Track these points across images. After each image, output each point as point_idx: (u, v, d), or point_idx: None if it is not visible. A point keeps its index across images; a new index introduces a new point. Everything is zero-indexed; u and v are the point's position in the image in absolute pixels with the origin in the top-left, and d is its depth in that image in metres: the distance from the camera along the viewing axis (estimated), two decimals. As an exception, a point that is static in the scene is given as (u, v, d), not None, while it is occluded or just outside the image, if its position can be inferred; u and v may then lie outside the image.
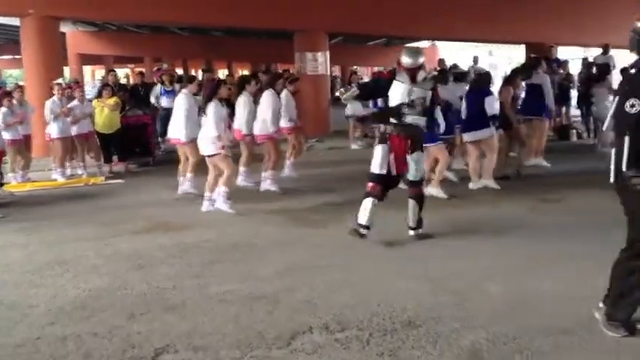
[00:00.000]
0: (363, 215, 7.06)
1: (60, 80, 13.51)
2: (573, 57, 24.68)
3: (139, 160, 13.93)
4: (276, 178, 10.45)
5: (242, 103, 10.50)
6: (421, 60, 7.14)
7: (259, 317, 5.09)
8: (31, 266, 6.70)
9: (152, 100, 15.65)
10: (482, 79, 10.45)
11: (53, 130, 12.30)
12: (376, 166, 7.11)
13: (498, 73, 28.30)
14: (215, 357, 4.42)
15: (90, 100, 13.36)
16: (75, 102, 12.51)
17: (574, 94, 16.86)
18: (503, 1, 19.46)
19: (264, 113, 10.17)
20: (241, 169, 10.82)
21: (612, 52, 16.83)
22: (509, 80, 11.07)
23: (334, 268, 6.32)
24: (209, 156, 8.96)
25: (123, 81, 25.28)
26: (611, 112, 4.38)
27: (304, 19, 17.97)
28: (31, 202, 10.36)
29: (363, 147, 14.67)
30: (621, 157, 4.15)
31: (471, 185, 9.95)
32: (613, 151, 4.31)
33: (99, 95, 13.20)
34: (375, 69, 41.28)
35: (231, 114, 10.41)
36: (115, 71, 18.16)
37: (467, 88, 10.85)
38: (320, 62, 18.71)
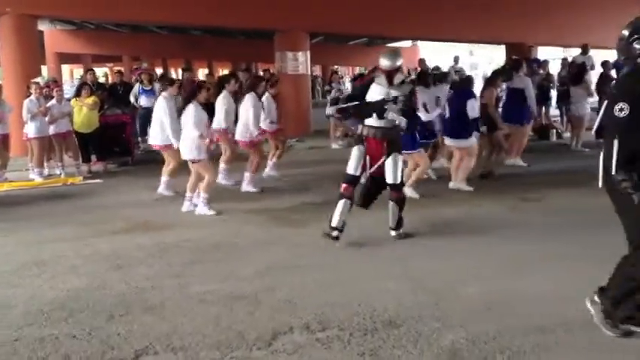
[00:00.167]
0: (335, 217, 7.05)
1: (38, 79, 13.39)
2: (553, 57, 24.83)
3: (117, 159, 13.84)
4: (255, 180, 10.39)
5: (221, 102, 10.47)
6: (399, 62, 7.13)
7: (240, 317, 5.07)
8: (9, 267, 6.63)
9: (131, 99, 15.58)
10: (464, 83, 10.47)
11: (30, 129, 12.17)
12: (351, 168, 7.11)
13: (479, 72, 28.46)
14: (195, 358, 4.40)
15: (68, 100, 13.24)
16: (53, 101, 12.39)
17: (554, 94, 16.95)
18: (483, 2, 19.55)
19: (245, 117, 10.11)
20: (222, 166, 10.79)
21: (592, 52, 16.96)
22: (491, 81, 11.10)
23: (315, 267, 6.32)
24: (191, 161, 8.90)
25: (102, 80, 25.14)
26: (600, 115, 4.39)
27: (285, 19, 17.93)
28: (8, 203, 10.25)
29: (343, 146, 14.67)
30: (610, 160, 4.17)
31: (451, 185, 9.99)
32: (601, 154, 4.32)
33: (77, 94, 13.08)
34: (357, 69, 41.34)
35: (211, 115, 10.33)
36: (93, 70, 18.02)
37: (447, 88, 10.89)
38: (301, 62, 18.69)
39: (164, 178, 10.08)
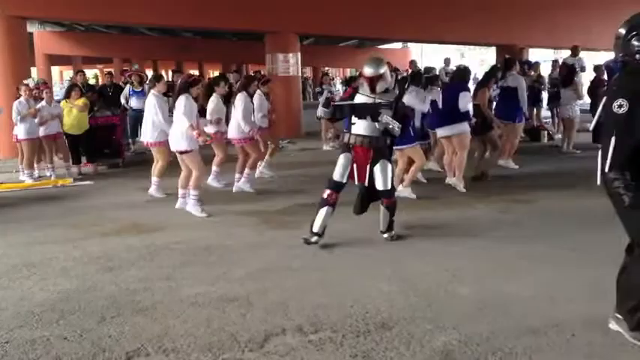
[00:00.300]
0: (317, 223, 7.05)
1: (28, 81, 13.34)
2: (545, 59, 24.92)
3: (108, 161, 13.80)
4: (252, 180, 10.37)
5: (212, 105, 10.45)
6: (382, 70, 7.03)
7: (231, 319, 5.05)
8: (-1, 269, 6.60)
9: (122, 101, 15.57)
10: (460, 74, 10.45)
11: (20, 131, 12.12)
12: (337, 175, 7.08)
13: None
14: (187, 360, 4.39)
15: (58, 101, 13.21)
16: (43, 103, 12.34)
17: (545, 95, 17.01)
18: (474, 3, 19.60)
19: (238, 116, 10.10)
20: (213, 168, 10.77)
21: (583, 54, 17.02)
22: (485, 82, 11.11)
23: (307, 269, 6.31)
24: (180, 152, 8.87)
25: (92, 82, 25.10)
26: (597, 112, 4.38)
27: (275, 21, 17.92)
28: (-2, 204, 10.21)
29: (335, 148, 14.67)
30: (606, 158, 4.16)
31: (447, 180, 10.00)
32: (600, 153, 4.31)
33: (67, 96, 13.05)
34: (348, 71, 41.37)
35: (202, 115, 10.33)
36: (83, 72, 18.00)
37: (438, 90, 10.91)
38: (291, 63, 18.68)
39: (154, 179, 10.05)
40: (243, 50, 32.74)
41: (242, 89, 10.49)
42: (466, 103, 9.62)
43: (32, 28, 27.49)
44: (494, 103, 12.17)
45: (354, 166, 7.07)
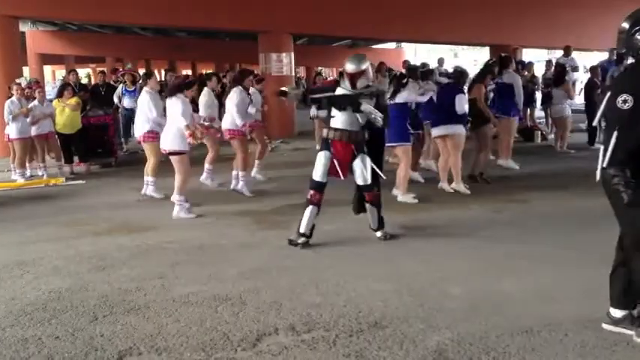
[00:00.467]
0: (303, 224, 7.03)
1: (20, 80, 13.31)
2: (538, 59, 24.96)
3: (100, 160, 13.76)
4: (248, 179, 10.34)
5: (204, 99, 10.45)
6: (364, 66, 7.03)
7: (224, 319, 5.04)
8: (-10, 268, 6.57)
9: (115, 100, 15.54)
10: (456, 76, 10.41)
11: (12, 130, 12.09)
12: (317, 174, 7.05)
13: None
14: (179, 359, 4.37)
15: (50, 101, 13.17)
16: (35, 102, 12.31)
17: (538, 95, 17.02)
18: (468, 4, 19.61)
19: (232, 110, 10.06)
20: (206, 166, 10.75)
21: (578, 54, 17.06)
22: (481, 77, 11.07)
23: (300, 269, 6.29)
24: (169, 153, 8.83)
25: (84, 81, 25.03)
26: (601, 108, 4.34)
27: (268, 20, 17.90)
28: (-11, 203, 10.18)
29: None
30: (606, 154, 4.15)
31: (440, 185, 9.98)
32: (601, 149, 4.28)
33: (60, 95, 13.01)
34: (340, 70, 41.27)
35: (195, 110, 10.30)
36: (76, 71, 17.95)
37: (431, 84, 10.91)
38: (285, 63, 18.66)
39: (150, 179, 9.99)
40: (237, 50, 32.67)
41: (236, 83, 10.45)
42: (463, 105, 9.59)
43: (24, 27, 27.38)
44: (490, 99, 12.13)
45: (335, 162, 7.02)
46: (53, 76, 49.53)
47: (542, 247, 6.77)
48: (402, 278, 5.89)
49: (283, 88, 7.37)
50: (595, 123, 4.60)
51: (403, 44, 40.92)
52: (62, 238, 7.76)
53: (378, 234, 7.26)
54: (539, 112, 17.74)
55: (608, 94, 4.27)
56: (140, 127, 9.93)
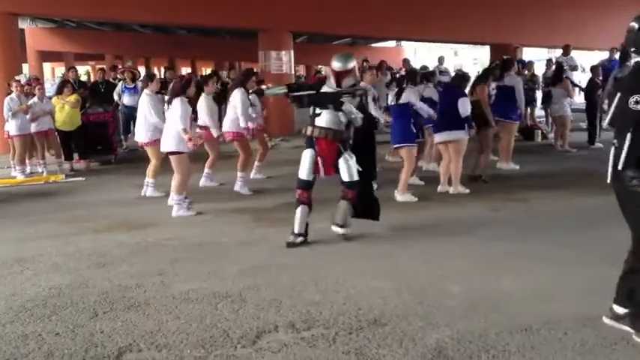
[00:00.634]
0: (297, 224, 7.03)
1: (19, 77, 13.31)
2: (539, 58, 24.93)
3: (100, 157, 13.76)
4: (247, 180, 10.32)
5: (202, 106, 10.38)
6: (350, 65, 7.02)
7: (224, 316, 5.04)
8: (-10, 264, 6.57)
9: (115, 97, 15.54)
10: (458, 80, 10.37)
11: (12, 127, 12.11)
12: (303, 173, 7.04)
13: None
14: (179, 356, 4.37)
15: (50, 98, 13.16)
16: (34, 99, 12.32)
17: (539, 94, 17.02)
18: (468, 2, 19.61)
19: (235, 111, 10.03)
20: (206, 170, 10.73)
21: (579, 53, 17.06)
22: (483, 78, 11.05)
23: (300, 266, 6.30)
24: (169, 154, 8.82)
25: (84, 78, 25.00)
26: (612, 109, 4.30)
27: (268, 18, 17.90)
28: (-11, 200, 10.18)
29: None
30: (620, 156, 4.11)
31: (439, 188, 9.96)
32: (612, 149, 4.25)
33: (59, 92, 13.01)
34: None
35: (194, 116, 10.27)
36: (75, 68, 17.95)
37: (431, 86, 10.89)
38: (284, 61, 18.65)
39: (151, 180, 9.97)
40: (237, 48, 32.66)
41: (239, 85, 10.42)
42: (466, 107, 9.55)
43: (24, 24, 27.37)
44: (491, 101, 12.10)
45: (319, 160, 7.01)
46: (52, 73, 49.50)
47: (542, 246, 6.77)
48: (401, 276, 5.90)
49: (262, 87, 7.35)
50: (605, 125, 4.55)
51: (403, 43, 40.87)
52: (62, 235, 7.77)
53: (341, 231, 7.15)
54: (539, 111, 17.74)
55: (618, 95, 4.23)
56: (142, 133, 9.87)
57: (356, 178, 7.05)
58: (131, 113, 14.75)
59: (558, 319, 4.75)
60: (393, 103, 9.45)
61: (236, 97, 10.08)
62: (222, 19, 18.60)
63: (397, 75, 13.61)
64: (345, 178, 7.04)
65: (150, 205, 9.34)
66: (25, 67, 23.50)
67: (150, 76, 10.65)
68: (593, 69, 15.22)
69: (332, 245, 7.02)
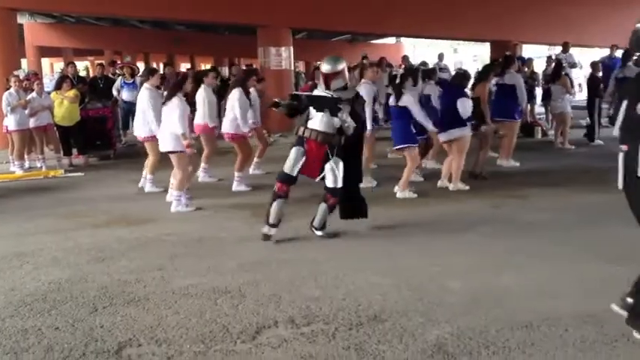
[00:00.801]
0: (272, 216, 7.03)
1: (18, 72, 13.29)
2: (539, 55, 24.91)
3: (99, 153, 13.76)
4: (245, 178, 10.29)
5: (201, 97, 10.37)
6: (340, 67, 7.02)
7: (224, 311, 5.04)
8: (-11, 259, 6.56)
9: (114, 92, 15.52)
10: (459, 78, 10.34)
11: (11, 122, 12.10)
12: (287, 167, 7.02)
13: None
14: (179, 350, 4.37)
15: (48, 93, 13.14)
16: (33, 94, 12.31)
17: (539, 91, 17.01)
18: (469, -1, 19.63)
19: (234, 112, 9.99)
20: (202, 165, 10.71)
21: (579, 50, 17.06)
22: (484, 76, 11.01)
23: (299, 261, 6.30)
24: (168, 152, 8.79)
25: (82, 73, 24.96)
26: (620, 116, 4.26)
27: (268, 14, 17.88)
28: (-12, 195, 10.16)
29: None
30: (635, 162, 4.06)
31: (439, 183, 9.97)
32: (621, 155, 4.21)
33: (58, 87, 12.99)
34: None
35: (192, 110, 10.23)
36: (74, 63, 17.92)
37: (432, 84, 10.87)
38: (284, 57, 18.65)
39: (149, 176, 9.95)
40: (236, 44, 32.56)
41: (239, 85, 10.38)
42: (467, 108, 9.52)
43: (22, 19, 27.28)
44: (492, 99, 12.06)
45: (307, 160, 6.99)
46: (51, 68, 49.38)
47: (541, 243, 6.77)
48: (400, 272, 5.90)
49: (276, 100, 7.37)
50: (615, 133, 4.48)
51: (402, 39, 40.80)
52: (61, 229, 7.76)
53: (319, 233, 7.20)
54: (539, 108, 17.74)
55: (625, 101, 4.19)
56: (140, 128, 9.84)
57: (340, 185, 7.03)
58: (130, 109, 14.72)
59: (558, 315, 4.75)
60: (393, 104, 9.42)
61: (234, 99, 10.01)
62: (221, 15, 18.56)
63: (394, 74, 13.55)
64: (329, 184, 7.03)
65: (149, 201, 9.33)
66: (24, 63, 23.47)
67: (150, 70, 10.62)
68: (594, 65, 15.22)
69: (331, 241, 7.02)
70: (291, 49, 19.02)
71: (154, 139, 9.53)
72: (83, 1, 16.70)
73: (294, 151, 7.03)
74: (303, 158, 6.97)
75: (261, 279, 5.76)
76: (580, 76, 19.63)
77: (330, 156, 6.97)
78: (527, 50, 24.80)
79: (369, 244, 6.95)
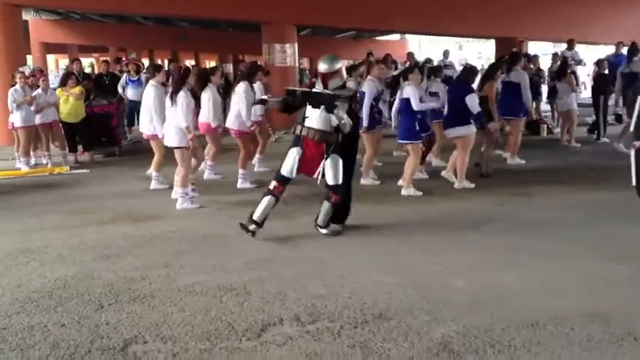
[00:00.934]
0: (258, 211, 7.03)
1: (23, 69, 13.30)
2: (545, 52, 24.84)
3: (104, 149, 13.76)
4: (249, 175, 10.29)
5: (207, 95, 10.34)
6: (337, 66, 7.01)
7: (229, 308, 5.05)
8: (-5, 255, 6.58)
9: (119, 89, 15.53)
10: (466, 73, 10.33)
11: (16, 119, 12.11)
12: (285, 169, 7.05)
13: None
14: (184, 348, 4.38)
15: (54, 89, 13.15)
16: (38, 90, 12.32)
17: (544, 89, 16.97)
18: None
19: (239, 107, 9.99)
20: (208, 162, 10.71)
21: (584, 47, 17.03)
22: (491, 74, 10.99)
23: (304, 259, 6.31)
24: (173, 148, 8.79)
25: (88, 70, 25.00)
26: (634, 117, 4.26)
27: (272, 11, 17.86)
28: (-6, 191, 10.19)
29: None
30: None
31: (443, 173, 9.98)
32: (633, 153, 4.22)
33: (63, 84, 13.00)
34: (345, 62, 41.19)
35: (197, 105, 10.22)
36: (79, 60, 17.93)
37: (438, 81, 10.85)
38: (288, 54, 18.62)
39: (154, 173, 9.95)
40: (240, 41, 32.56)
41: (245, 79, 10.37)
42: (476, 104, 9.49)
43: (27, 16, 27.30)
44: (498, 97, 12.02)
45: (304, 159, 7.00)
46: (56, 65, 49.42)
47: (546, 241, 6.77)
48: (405, 270, 5.90)
49: (263, 97, 7.37)
50: (631, 130, 4.48)
51: (407, 36, 40.75)
52: (67, 226, 7.78)
53: (324, 231, 7.21)
54: (545, 106, 17.71)
55: (639, 103, 4.18)
56: (146, 126, 9.82)
57: (340, 182, 7.04)
58: (135, 106, 14.73)
59: (564, 314, 4.74)
60: (400, 97, 9.40)
61: (240, 92, 10.01)
62: (226, 11, 18.56)
63: (396, 72, 13.53)
64: (330, 182, 7.03)
65: (154, 198, 9.34)
66: (29, 59, 23.50)
67: (156, 67, 10.58)
68: (600, 62, 15.18)
69: (336, 239, 7.03)
70: (296, 45, 19.00)
71: (155, 137, 9.54)
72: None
73: (291, 153, 7.04)
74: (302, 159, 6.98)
75: (267, 277, 5.77)
76: (583, 73, 19.53)
77: (328, 154, 6.95)
78: (533, 47, 24.71)
79: (373, 242, 6.95)
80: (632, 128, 4.48)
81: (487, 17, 20.26)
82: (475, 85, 10.56)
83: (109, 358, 4.28)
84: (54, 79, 21.65)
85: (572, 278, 5.62)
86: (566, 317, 4.68)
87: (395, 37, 40.62)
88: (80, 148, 13.18)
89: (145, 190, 9.85)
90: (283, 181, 7.06)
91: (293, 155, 7.03)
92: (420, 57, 21.44)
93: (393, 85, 10.13)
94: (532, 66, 15.90)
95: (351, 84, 8.80)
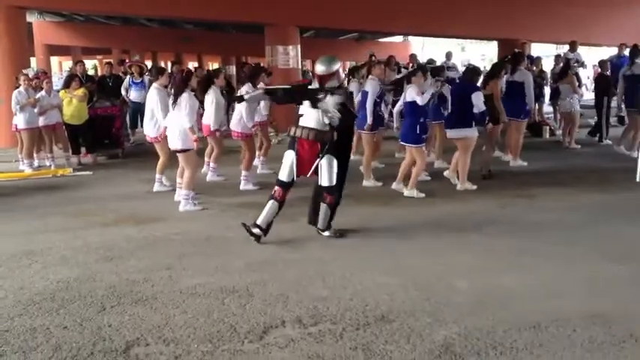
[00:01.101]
0: (262, 216, 7.03)
1: (27, 71, 13.32)
2: (547, 54, 24.82)
3: (107, 151, 13.77)
4: (252, 177, 10.29)
5: (210, 97, 10.34)
6: (334, 68, 6.96)
7: (231, 310, 5.05)
8: (-2, 257, 6.60)
9: (122, 92, 15.55)
10: (469, 74, 10.32)
11: (20, 121, 12.12)
12: (283, 175, 7.06)
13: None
14: (186, 350, 4.38)
15: (57, 91, 13.17)
16: (42, 92, 12.32)
17: (547, 90, 16.96)
18: (476, -3, 19.58)
19: (243, 111, 9.97)
20: (211, 164, 10.72)
21: (586, 49, 17.00)
22: (495, 73, 10.97)
23: (307, 261, 6.31)
24: (176, 151, 8.81)
25: (91, 72, 25.03)
26: None
27: (275, 13, 17.87)
28: (-3, 194, 10.20)
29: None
30: None
31: (445, 173, 9.99)
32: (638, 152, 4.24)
33: (67, 86, 13.01)
34: (347, 64, 41.33)
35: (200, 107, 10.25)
36: (83, 62, 17.96)
37: (441, 82, 10.87)
38: (291, 56, 18.63)
39: (157, 176, 9.94)
40: (243, 42, 32.64)
41: (248, 80, 10.36)
42: (481, 102, 9.46)
43: (31, 18, 27.38)
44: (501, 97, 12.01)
45: (300, 160, 6.98)
46: (60, 67, 49.52)
47: (548, 243, 6.77)
48: (407, 272, 5.90)
49: (238, 94, 7.37)
50: None
51: (410, 38, 40.76)
52: (70, 228, 7.79)
53: (326, 233, 7.21)
54: (547, 108, 17.69)
55: None
56: (150, 129, 9.82)
57: (335, 182, 7.04)
58: (138, 108, 14.79)
59: (566, 316, 4.75)
60: (403, 100, 9.40)
61: (243, 93, 9.99)
62: (229, 13, 18.57)
63: (401, 70, 13.54)
64: (324, 182, 7.03)
65: (157, 200, 9.35)
66: (33, 61, 23.52)
67: (160, 70, 10.58)
68: (602, 64, 15.16)
69: (338, 241, 7.03)
70: (299, 47, 19.01)
71: (163, 139, 9.55)
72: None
73: (287, 157, 7.05)
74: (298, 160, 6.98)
75: (269, 279, 5.78)
76: (584, 76, 19.53)
77: (323, 153, 6.94)
78: (536, 49, 24.70)
79: (375, 243, 6.95)
80: None
81: (489, 19, 20.25)
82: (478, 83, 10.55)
83: (111, 360, 4.30)
84: (57, 81, 21.72)
85: (574, 279, 5.62)
86: (568, 319, 4.69)
87: (398, 38, 40.69)
88: (83, 150, 13.19)
89: (147, 193, 9.85)
90: (283, 185, 7.06)
91: (288, 159, 7.03)
92: (423, 58, 21.40)
93: (397, 87, 10.12)
94: (535, 68, 15.88)
95: (352, 87, 8.83)
